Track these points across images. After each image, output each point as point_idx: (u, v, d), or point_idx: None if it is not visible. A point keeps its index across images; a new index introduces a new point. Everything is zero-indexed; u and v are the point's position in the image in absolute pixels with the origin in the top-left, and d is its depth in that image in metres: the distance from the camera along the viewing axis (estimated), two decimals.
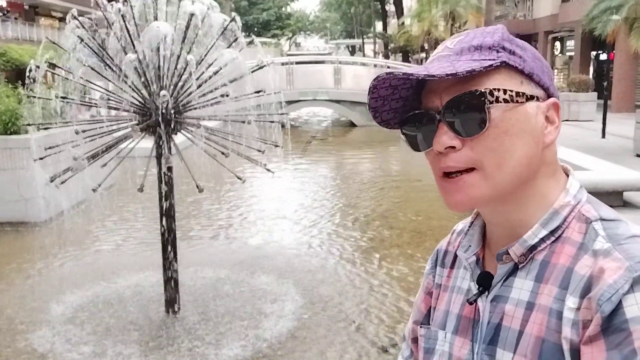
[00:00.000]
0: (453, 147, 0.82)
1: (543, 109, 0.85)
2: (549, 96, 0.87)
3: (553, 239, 0.84)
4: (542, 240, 0.84)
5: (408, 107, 0.89)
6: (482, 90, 0.81)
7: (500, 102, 0.81)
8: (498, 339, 0.85)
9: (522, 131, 0.82)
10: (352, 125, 21.49)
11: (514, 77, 0.83)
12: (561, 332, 0.77)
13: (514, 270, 0.87)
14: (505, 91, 0.82)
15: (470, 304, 0.91)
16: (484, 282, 0.90)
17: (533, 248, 0.85)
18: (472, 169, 0.82)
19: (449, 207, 0.87)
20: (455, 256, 1.02)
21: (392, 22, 52.39)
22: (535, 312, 0.82)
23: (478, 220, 0.97)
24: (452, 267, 1.03)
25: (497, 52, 0.83)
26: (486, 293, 0.89)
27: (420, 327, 1.04)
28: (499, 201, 0.85)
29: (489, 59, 0.82)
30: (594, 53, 26.75)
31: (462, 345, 0.92)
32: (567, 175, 0.90)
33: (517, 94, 0.82)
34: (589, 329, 0.74)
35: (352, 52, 71.54)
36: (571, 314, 0.77)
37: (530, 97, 0.84)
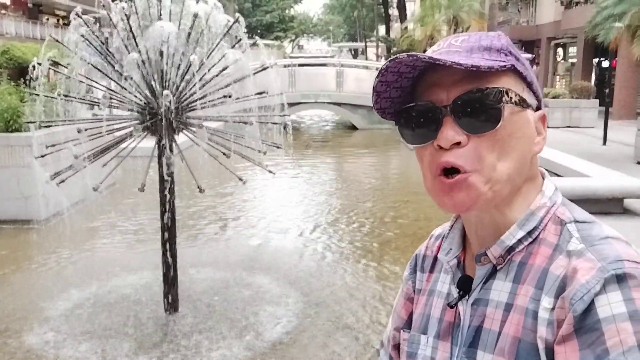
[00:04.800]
0: (458, 144, 0.81)
1: (535, 118, 0.87)
2: (538, 108, 0.88)
3: (530, 240, 0.85)
4: (520, 241, 0.85)
5: (403, 99, 0.88)
6: (500, 89, 0.81)
7: (512, 104, 0.82)
8: (479, 342, 0.85)
9: (522, 136, 0.83)
10: (353, 127, 21.50)
11: (518, 82, 0.85)
12: (537, 332, 0.78)
13: (493, 273, 0.87)
14: (515, 93, 0.83)
15: (451, 307, 0.91)
16: (464, 285, 0.91)
17: (511, 249, 0.85)
18: (469, 171, 0.81)
19: (445, 209, 0.85)
20: (434, 260, 1.02)
21: (395, 26, 52.39)
22: (512, 312, 0.82)
23: (458, 224, 0.97)
24: (431, 271, 1.03)
25: (506, 55, 0.84)
26: (467, 297, 0.90)
27: (403, 331, 1.04)
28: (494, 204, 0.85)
29: (501, 60, 0.83)
30: (596, 60, 26.77)
31: (444, 349, 0.92)
32: (543, 179, 0.91)
33: (522, 99, 0.84)
34: (562, 329, 0.75)
35: (355, 56, 71.52)
36: (546, 314, 0.78)
37: (528, 105, 0.85)
